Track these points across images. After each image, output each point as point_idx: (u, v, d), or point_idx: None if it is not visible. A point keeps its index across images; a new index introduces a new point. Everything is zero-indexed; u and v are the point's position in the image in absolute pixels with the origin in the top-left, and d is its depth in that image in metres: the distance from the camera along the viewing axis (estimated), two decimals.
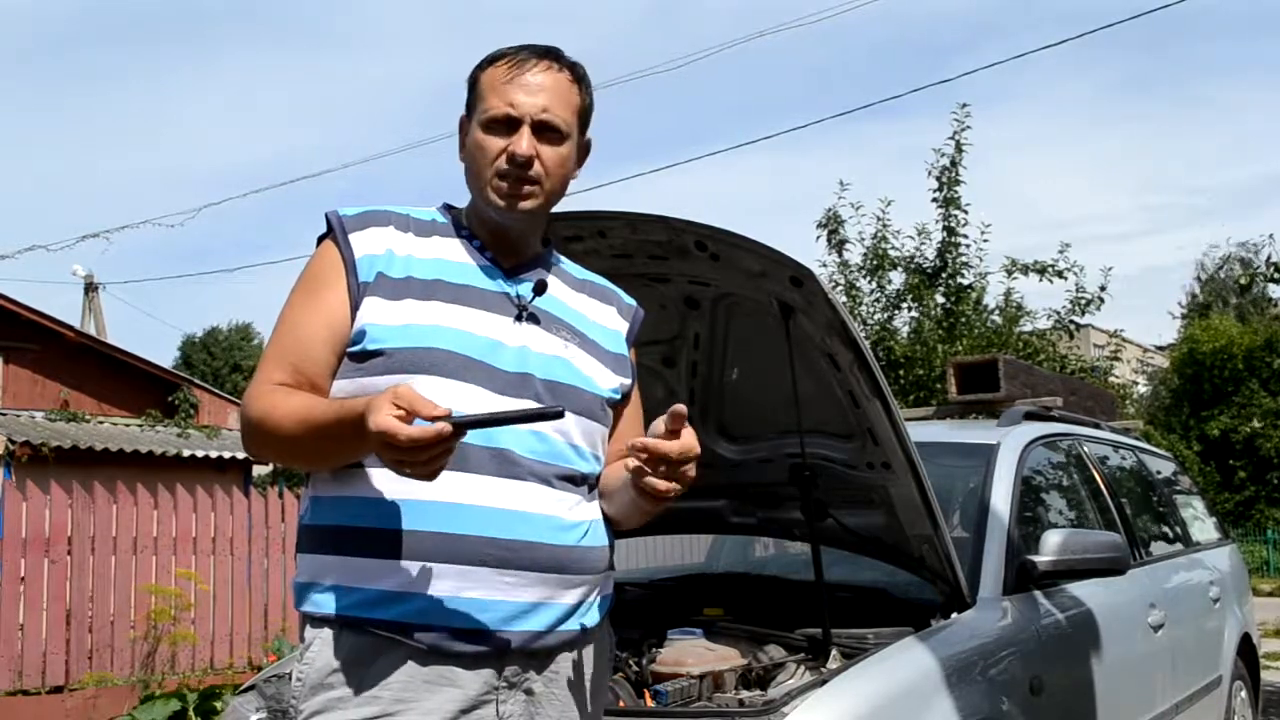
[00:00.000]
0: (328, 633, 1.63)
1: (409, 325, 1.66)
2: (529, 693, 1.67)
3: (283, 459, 1.73)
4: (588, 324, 1.82)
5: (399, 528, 1.61)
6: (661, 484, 1.55)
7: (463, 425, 1.46)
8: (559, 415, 1.54)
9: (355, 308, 1.67)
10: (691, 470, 1.57)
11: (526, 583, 1.63)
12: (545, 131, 1.72)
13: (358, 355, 1.66)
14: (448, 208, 1.84)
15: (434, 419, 1.43)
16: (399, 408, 1.43)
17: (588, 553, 1.71)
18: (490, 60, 1.76)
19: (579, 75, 1.78)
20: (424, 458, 1.45)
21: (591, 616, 1.74)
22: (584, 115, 1.80)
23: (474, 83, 1.77)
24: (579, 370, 1.75)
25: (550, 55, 1.76)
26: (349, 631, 1.62)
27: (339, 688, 1.60)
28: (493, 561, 1.61)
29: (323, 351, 1.67)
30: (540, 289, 1.76)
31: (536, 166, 1.71)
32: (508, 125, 1.71)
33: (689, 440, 1.55)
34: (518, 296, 1.75)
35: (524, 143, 1.70)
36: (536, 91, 1.72)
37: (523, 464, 1.65)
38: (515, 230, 1.78)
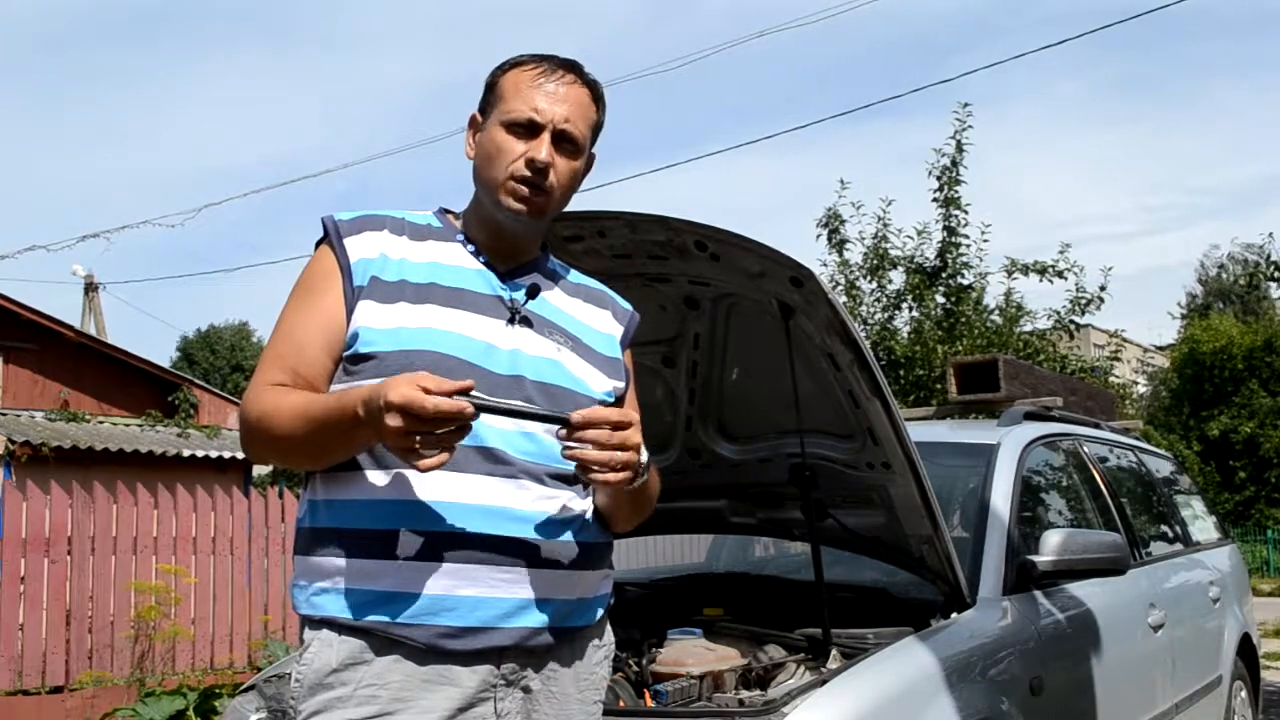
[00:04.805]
0: (326, 634, 1.64)
1: (400, 329, 1.66)
2: (526, 690, 1.68)
3: (282, 458, 1.74)
4: (582, 328, 1.83)
5: (394, 529, 1.62)
6: (591, 454, 1.57)
7: (480, 407, 1.49)
8: (567, 423, 1.57)
9: (350, 312, 1.68)
10: (620, 435, 1.58)
11: (521, 580, 1.64)
12: (563, 142, 1.74)
13: (351, 359, 1.67)
14: (444, 211, 1.85)
15: (457, 393, 1.46)
16: (420, 386, 1.46)
17: (582, 549, 1.72)
18: (513, 64, 1.78)
19: (598, 94, 1.81)
20: (441, 431, 1.47)
21: (588, 614, 1.75)
22: (596, 132, 1.82)
23: (493, 84, 1.78)
24: (571, 373, 1.76)
25: (574, 69, 1.79)
26: (347, 632, 1.63)
27: (337, 688, 1.61)
28: (487, 560, 1.62)
29: (319, 355, 1.68)
30: (533, 293, 1.77)
31: (551, 176, 1.73)
32: (529, 129, 1.72)
33: (590, 412, 1.59)
34: (511, 300, 1.75)
35: (544, 149, 1.71)
36: (560, 101, 1.74)
37: (515, 463, 1.66)
38: (515, 234, 1.78)
